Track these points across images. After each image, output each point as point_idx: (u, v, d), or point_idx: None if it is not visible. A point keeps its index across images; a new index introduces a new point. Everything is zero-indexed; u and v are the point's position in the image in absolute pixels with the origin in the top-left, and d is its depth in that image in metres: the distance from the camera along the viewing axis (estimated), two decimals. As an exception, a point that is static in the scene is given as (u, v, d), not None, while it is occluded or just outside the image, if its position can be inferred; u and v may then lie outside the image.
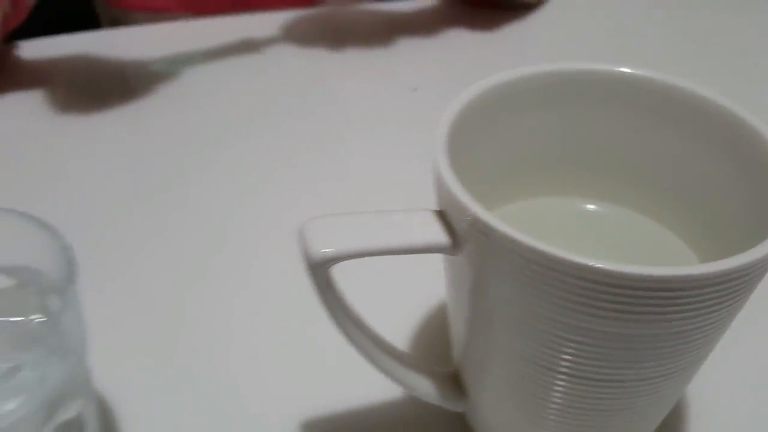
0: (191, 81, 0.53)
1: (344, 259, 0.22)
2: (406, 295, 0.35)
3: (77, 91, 0.52)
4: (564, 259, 0.20)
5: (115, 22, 0.64)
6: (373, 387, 0.31)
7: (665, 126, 0.27)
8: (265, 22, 0.60)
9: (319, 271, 0.22)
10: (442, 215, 0.23)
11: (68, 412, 0.25)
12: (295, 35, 0.58)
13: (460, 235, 0.23)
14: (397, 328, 0.33)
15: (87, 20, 0.63)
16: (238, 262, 0.38)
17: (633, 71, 0.28)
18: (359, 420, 0.30)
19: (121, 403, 0.30)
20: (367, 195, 0.42)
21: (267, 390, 0.31)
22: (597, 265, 0.19)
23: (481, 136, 0.27)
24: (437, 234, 0.23)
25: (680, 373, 0.23)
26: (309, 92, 0.52)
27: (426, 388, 0.27)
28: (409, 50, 0.57)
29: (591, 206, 0.30)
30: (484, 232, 0.21)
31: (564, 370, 0.22)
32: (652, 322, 0.20)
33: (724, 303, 0.20)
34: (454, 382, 0.28)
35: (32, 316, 0.25)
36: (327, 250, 0.22)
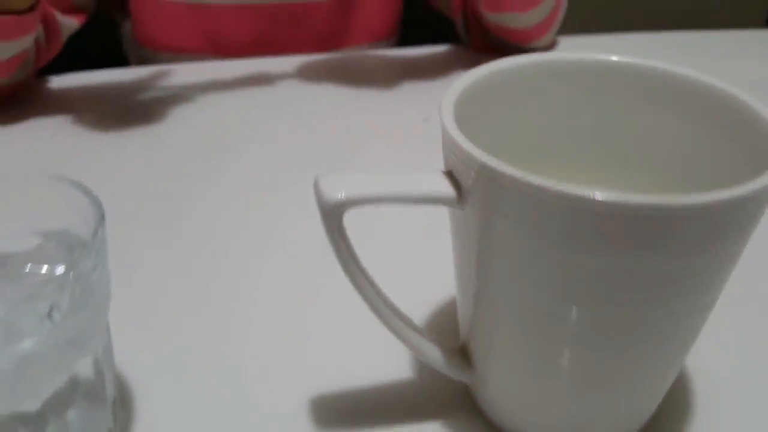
0: (211, 114, 0.56)
1: (355, 204, 0.24)
2: (415, 288, 0.36)
3: (103, 117, 0.55)
4: (569, 193, 0.21)
5: (143, 61, 0.67)
6: (379, 365, 0.32)
7: (665, 111, 0.29)
8: (284, 64, 0.63)
9: (333, 216, 0.24)
10: (449, 174, 0.25)
11: (85, 364, 0.26)
12: (312, 74, 0.61)
13: (466, 188, 0.24)
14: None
15: (116, 60, 0.66)
16: (253, 251, 0.39)
17: (633, 61, 0.29)
18: (367, 395, 0.31)
19: (135, 370, 0.31)
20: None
21: (279, 366, 0.32)
22: (600, 197, 0.21)
23: (483, 118, 0.29)
24: (444, 187, 0.24)
25: (679, 322, 0.24)
26: (324, 122, 0.55)
27: (433, 353, 0.28)
28: (420, 87, 0.59)
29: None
30: (490, 176, 0.22)
31: (570, 314, 0.23)
32: (655, 256, 0.21)
33: (726, 235, 0.21)
34: (460, 354, 0.29)
35: (58, 267, 0.26)
36: (340, 195, 0.23)
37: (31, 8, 0.48)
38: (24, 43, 0.51)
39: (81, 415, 0.27)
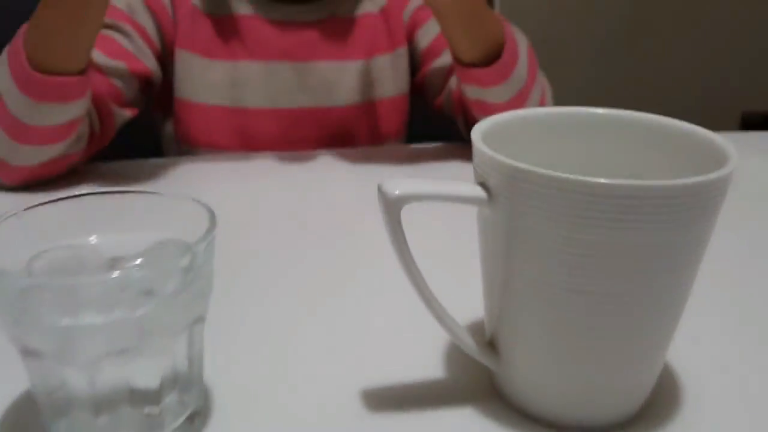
0: (242, 196, 0.63)
1: (410, 200, 0.30)
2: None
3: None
4: (584, 180, 0.28)
5: (181, 155, 0.76)
6: (414, 364, 0.37)
7: (637, 146, 0.36)
8: (306, 157, 0.71)
9: (393, 209, 0.30)
10: (480, 184, 0.32)
11: (181, 353, 0.32)
12: (330, 165, 0.69)
13: (495, 192, 0.31)
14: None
15: (152, 154, 0.74)
16: (303, 280, 0.45)
17: (612, 111, 0.37)
18: (405, 387, 0.36)
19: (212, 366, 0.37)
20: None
21: (330, 363, 0.38)
22: (600, 181, 0.28)
23: (500, 150, 0.36)
24: (477, 190, 0.31)
25: (663, 297, 0.30)
26: (340, 202, 0.62)
27: (469, 341, 0.34)
28: (432, 171, 0.68)
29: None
30: (520, 176, 0.29)
31: (583, 288, 0.30)
32: (638, 230, 0.28)
33: (690, 215, 0.28)
34: (488, 346, 0.35)
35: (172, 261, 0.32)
36: (398, 191, 0.30)
37: (82, 72, 0.57)
38: (77, 108, 0.58)
39: (178, 398, 0.32)
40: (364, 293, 0.46)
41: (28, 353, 0.29)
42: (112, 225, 0.33)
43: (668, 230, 0.28)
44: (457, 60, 0.65)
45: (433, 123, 0.80)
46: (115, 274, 0.28)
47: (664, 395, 0.36)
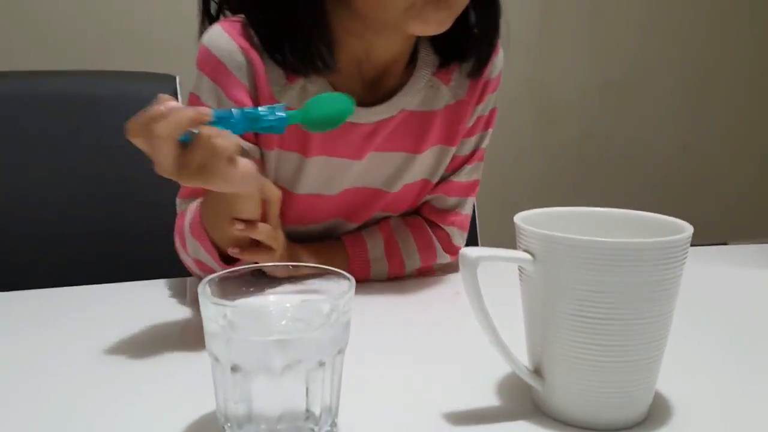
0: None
1: (482, 261, 0.45)
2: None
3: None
4: (597, 240, 0.43)
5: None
6: (476, 389, 0.51)
7: (633, 232, 0.52)
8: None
9: (471, 266, 0.45)
10: (525, 251, 0.47)
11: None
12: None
13: (536, 254, 0.46)
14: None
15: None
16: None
17: (614, 209, 0.53)
18: (472, 407, 0.49)
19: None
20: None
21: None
22: (606, 240, 0.43)
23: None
24: (525, 254, 0.46)
25: (656, 317, 0.45)
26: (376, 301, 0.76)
27: (523, 369, 0.47)
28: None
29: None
30: (555, 241, 0.44)
31: (599, 315, 0.44)
32: (631, 274, 0.43)
33: (661, 268, 0.44)
34: (534, 372, 0.48)
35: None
36: (475, 254, 0.45)
37: None
38: None
39: (329, 426, 0.45)
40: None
41: (234, 369, 0.41)
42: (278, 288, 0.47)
43: (647, 272, 0.44)
44: None
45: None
46: (280, 305, 0.42)
47: (661, 407, 0.49)
